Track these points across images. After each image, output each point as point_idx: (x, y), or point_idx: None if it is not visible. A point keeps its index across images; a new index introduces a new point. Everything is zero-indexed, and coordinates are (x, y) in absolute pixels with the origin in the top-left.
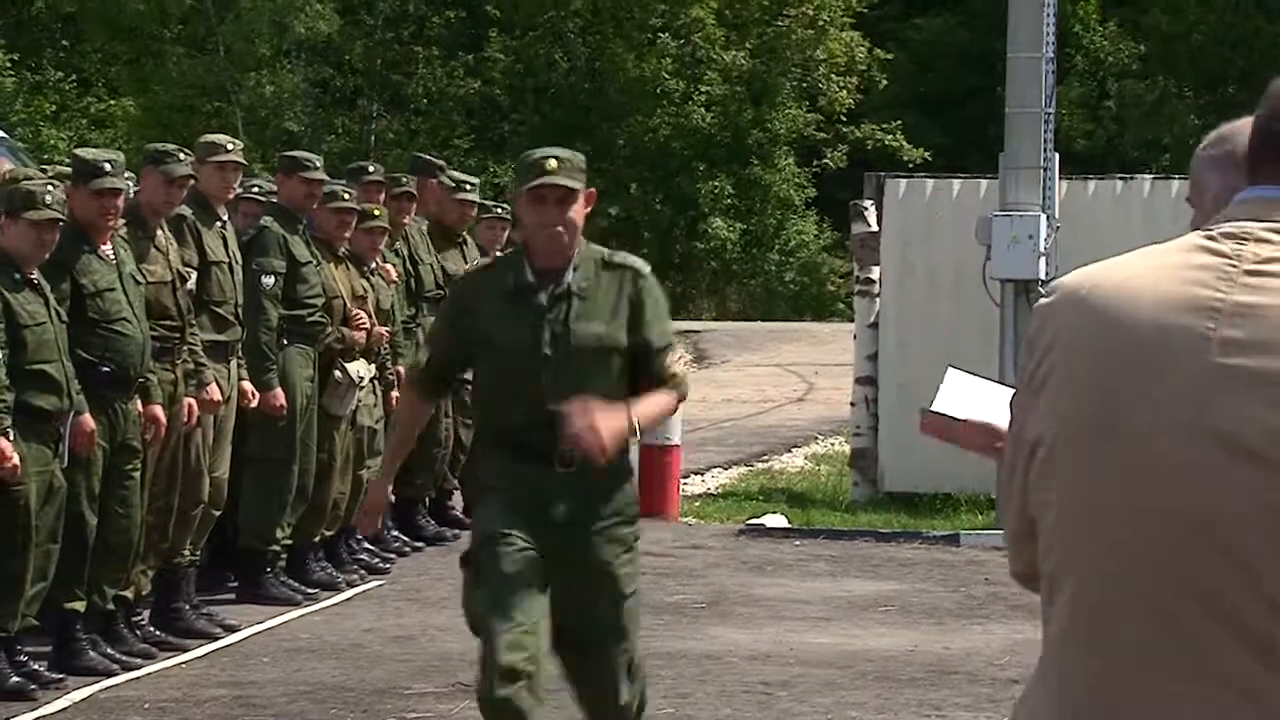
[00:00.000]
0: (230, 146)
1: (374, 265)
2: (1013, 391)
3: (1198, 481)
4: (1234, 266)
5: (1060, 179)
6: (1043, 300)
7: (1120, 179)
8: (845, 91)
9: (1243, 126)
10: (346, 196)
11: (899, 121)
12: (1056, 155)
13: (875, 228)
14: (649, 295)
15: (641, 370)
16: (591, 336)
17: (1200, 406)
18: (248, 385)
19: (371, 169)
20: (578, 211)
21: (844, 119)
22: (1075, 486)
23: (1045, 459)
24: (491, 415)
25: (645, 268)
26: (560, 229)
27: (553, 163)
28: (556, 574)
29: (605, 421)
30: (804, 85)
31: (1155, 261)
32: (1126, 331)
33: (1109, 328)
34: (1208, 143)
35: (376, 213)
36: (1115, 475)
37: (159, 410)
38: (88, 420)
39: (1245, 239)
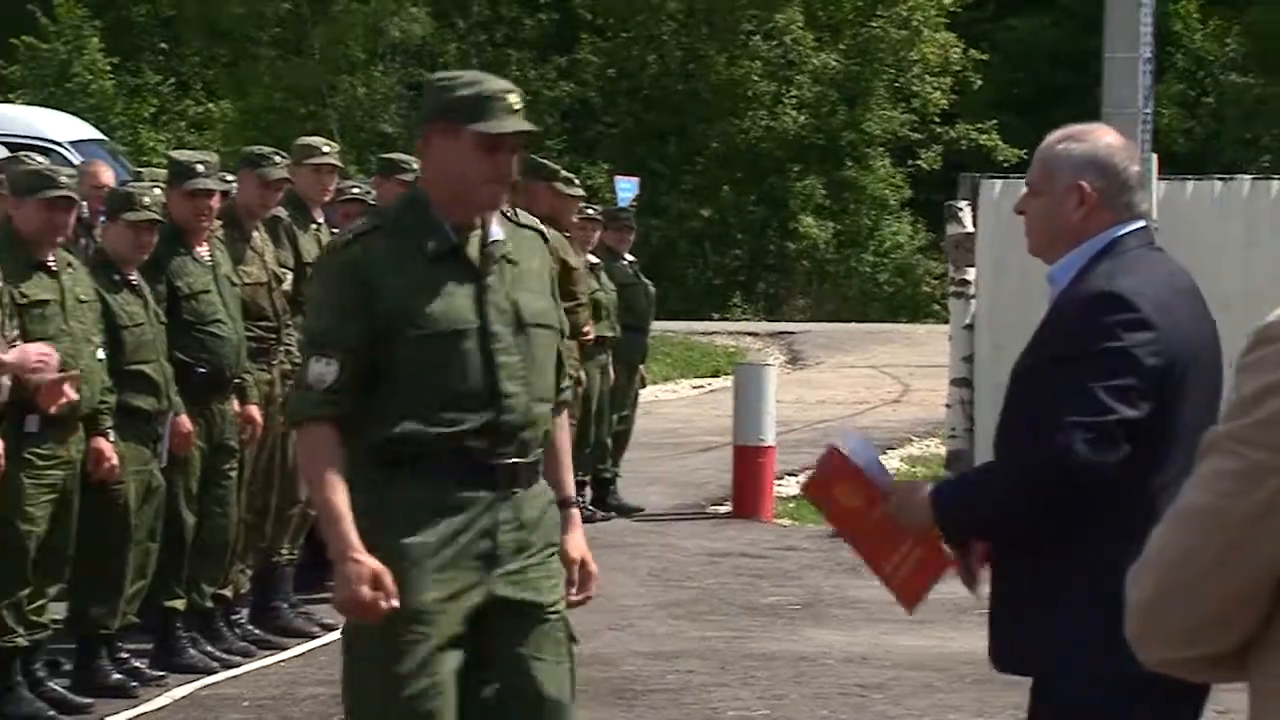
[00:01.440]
0: (326, 149)
1: None
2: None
3: None
4: None
5: (1158, 179)
6: None
7: (1219, 179)
8: (939, 92)
9: (1094, 129)
10: None
11: (994, 121)
12: (1154, 156)
13: (970, 229)
14: (552, 268)
15: None
16: (540, 312)
17: None
18: None
19: None
20: None
21: (938, 120)
22: None
23: None
24: (418, 424)
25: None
26: (504, 187)
27: (515, 98)
28: (494, 633)
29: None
30: (898, 86)
31: None
32: None
33: None
34: (1061, 136)
35: None
36: None
37: (255, 410)
38: (185, 421)
39: None
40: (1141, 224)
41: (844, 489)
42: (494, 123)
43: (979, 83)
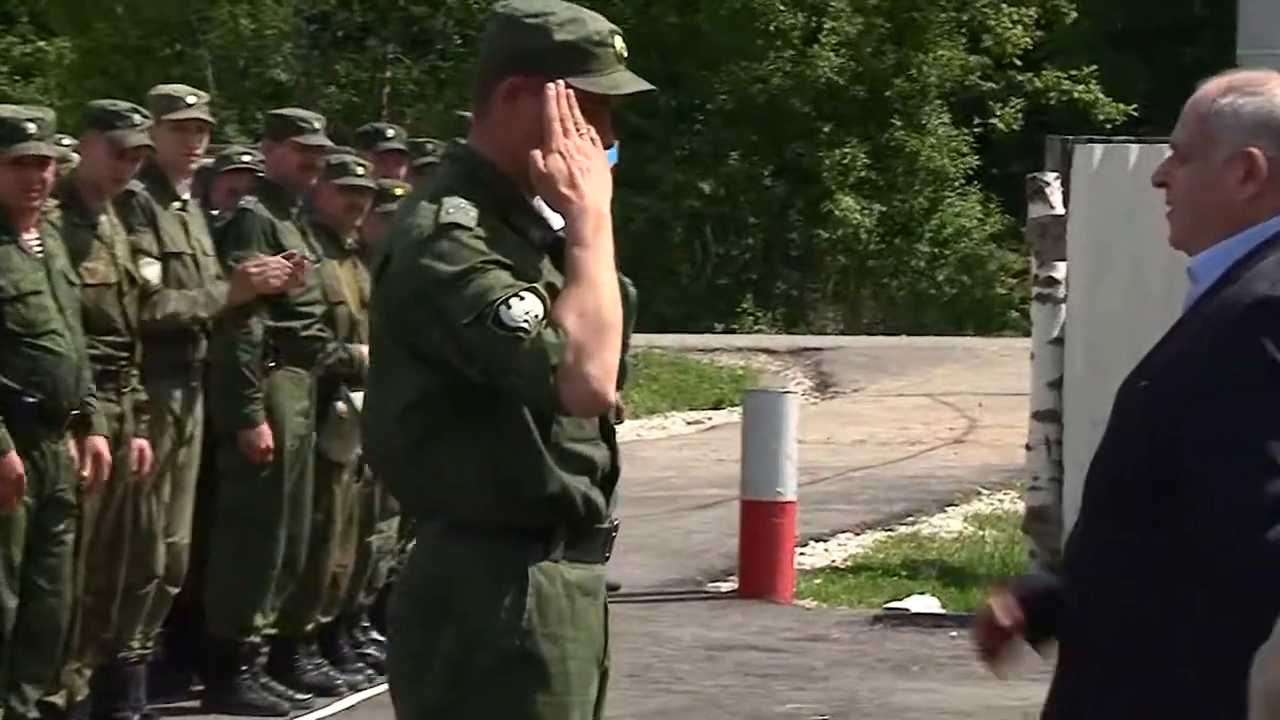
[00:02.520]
0: (191, 99)
1: None
2: None
3: None
4: None
5: None
6: None
7: None
8: (1020, 27)
9: (1268, 79)
10: (359, 170)
11: (1093, 66)
12: None
13: (1061, 210)
14: None
15: None
16: None
17: None
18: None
19: (390, 133)
20: None
21: (1018, 63)
22: None
23: None
24: (569, 473)
25: None
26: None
27: (622, 42)
28: None
29: None
30: (965, 19)
31: None
32: None
33: None
34: (1223, 87)
35: (398, 191)
36: None
37: (102, 444)
38: (9, 464)
39: None
40: None
41: None
42: (602, 78)
43: (1073, 14)
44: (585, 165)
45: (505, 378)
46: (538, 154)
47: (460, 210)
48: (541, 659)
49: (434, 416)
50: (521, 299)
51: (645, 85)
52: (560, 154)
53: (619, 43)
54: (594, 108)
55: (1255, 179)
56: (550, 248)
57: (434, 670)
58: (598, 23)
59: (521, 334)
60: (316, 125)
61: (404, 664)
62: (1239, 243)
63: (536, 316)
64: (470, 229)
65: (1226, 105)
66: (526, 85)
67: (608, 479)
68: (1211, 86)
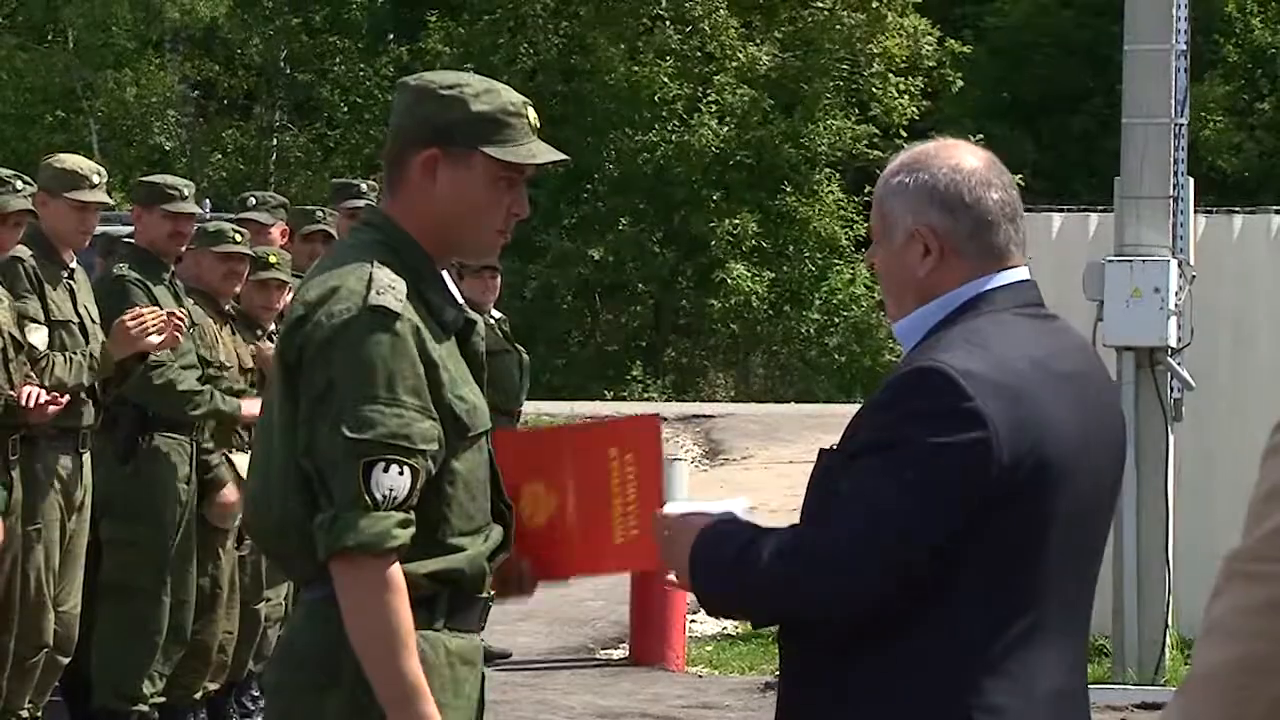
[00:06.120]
0: (96, 179)
1: (272, 329)
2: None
3: None
4: None
5: (1196, 212)
6: None
7: (1278, 212)
8: (907, 96)
9: (938, 151)
10: (238, 238)
11: (980, 136)
12: (1191, 180)
13: None
14: None
15: None
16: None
17: None
18: None
19: (252, 200)
20: None
21: (906, 132)
22: None
23: None
24: (462, 553)
25: None
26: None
27: (535, 115)
28: None
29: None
30: (853, 89)
31: None
32: None
33: None
34: (896, 167)
35: (273, 260)
36: None
37: None
38: None
39: None
40: (1020, 275)
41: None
42: (519, 148)
43: (959, 83)
44: None
45: (322, 508)
46: None
47: (390, 293)
48: None
49: None
50: (401, 472)
51: (559, 155)
52: None
53: (532, 114)
54: (510, 177)
55: (933, 254)
56: (459, 330)
57: None
58: (511, 94)
59: (367, 502)
60: (186, 193)
61: None
62: (935, 308)
63: (394, 498)
64: (399, 316)
65: (896, 185)
66: (444, 157)
67: (493, 555)
68: (889, 167)
